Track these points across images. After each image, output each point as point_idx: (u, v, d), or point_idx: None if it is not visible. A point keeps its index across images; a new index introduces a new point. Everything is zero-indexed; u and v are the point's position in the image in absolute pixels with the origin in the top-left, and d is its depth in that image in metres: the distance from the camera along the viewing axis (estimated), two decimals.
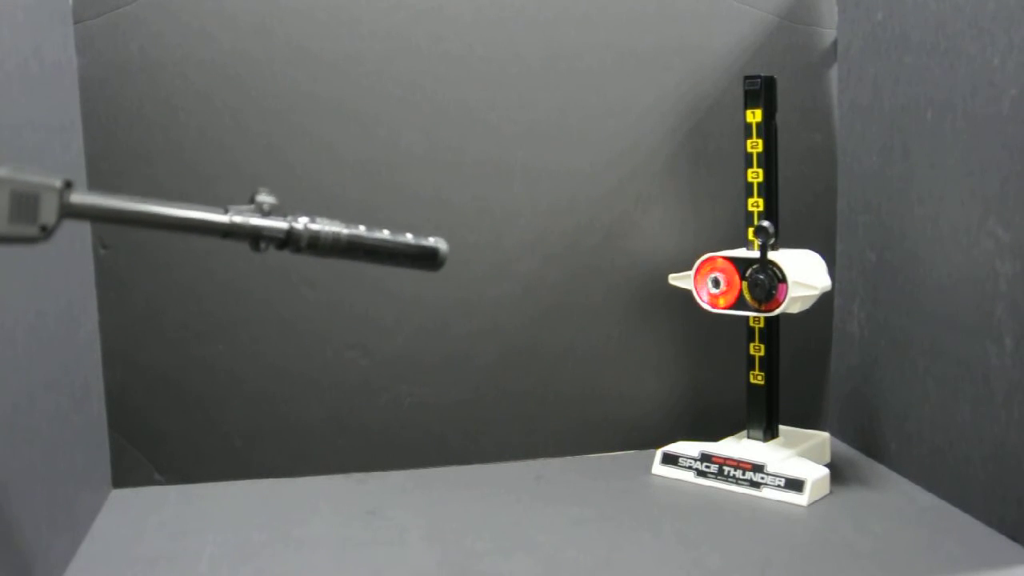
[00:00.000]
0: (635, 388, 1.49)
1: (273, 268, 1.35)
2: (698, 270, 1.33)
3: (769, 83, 1.31)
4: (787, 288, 1.25)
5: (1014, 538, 1.09)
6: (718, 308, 1.32)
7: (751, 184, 1.32)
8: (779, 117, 1.32)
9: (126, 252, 1.32)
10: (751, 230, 1.32)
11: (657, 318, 1.47)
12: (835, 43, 1.48)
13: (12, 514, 0.92)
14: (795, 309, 1.28)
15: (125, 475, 1.35)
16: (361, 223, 1.42)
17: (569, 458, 1.47)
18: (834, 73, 1.49)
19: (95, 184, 1.28)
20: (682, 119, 1.46)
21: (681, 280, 1.36)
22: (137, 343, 1.34)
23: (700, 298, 1.33)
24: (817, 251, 1.41)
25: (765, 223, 1.24)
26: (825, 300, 1.50)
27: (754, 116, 1.31)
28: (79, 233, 1.25)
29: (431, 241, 0.81)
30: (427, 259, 0.81)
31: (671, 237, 1.48)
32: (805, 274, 1.27)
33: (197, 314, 1.36)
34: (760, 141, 1.31)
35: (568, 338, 1.47)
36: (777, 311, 1.27)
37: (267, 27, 1.34)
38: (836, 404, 1.52)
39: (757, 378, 1.36)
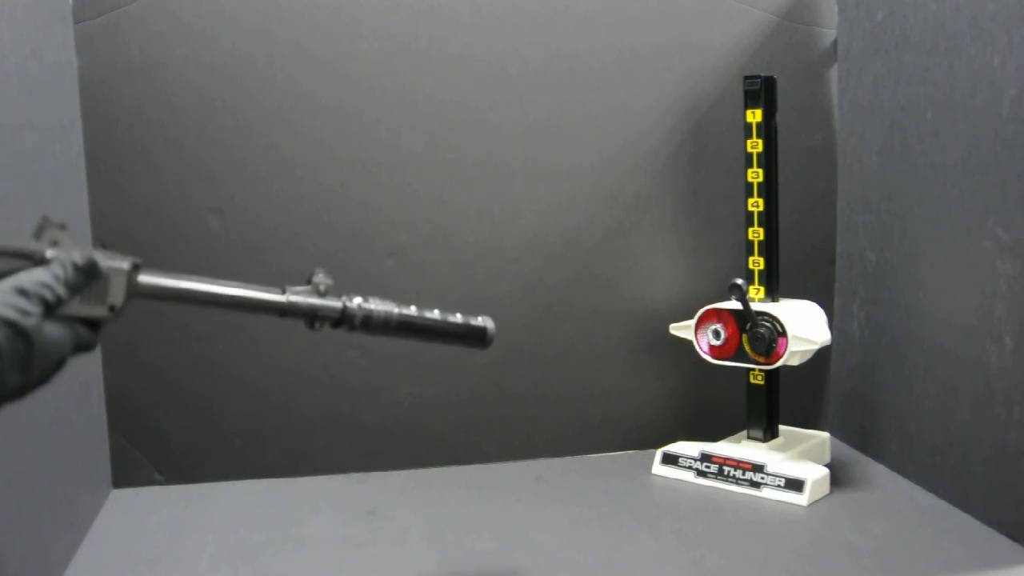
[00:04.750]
0: (635, 388, 1.49)
1: (273, 268, 1.35)
2: (699, 322, 1.34)
3: (769, 83, 1.31)
4: (787, 342, 1.26)
5: (1014, 538, 1.09)
6: (719, 359, 1.33)
7: (751, 184, 1.32)
8: (779, 117, 1.32)
9: (126, 251, 1.32)
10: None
11: (657, 318, 1.46)
12: (835, 43, 1.48)
13: (12, 514, 0.92)
14: (795, 362, 1.29)
15: (125, 475, 1.35)
16: (361, 224, 1.42)
17: (569, 458, 1.47)
18: (834, 73, 1.49)
19: (95, 184, 1.29)
20: (682, 119, 1.46)
21: (682, 330, 1.37)
22: (137, 343, 1.34)
23: (701, 349, 1.34)
24: (817, 251, 1.41)
25: (739, 281, 1.26)
26: (825, 300, 1.50)
27: (754, 116, 1.31)
28: (79, 232, 1.25)
29: (479, 321, 0.84)
30: (476, 338, 0.84)
31: (671, 237, 1.48)
32: (805, 328, 1.29)
33: (197, 314, 1.35)
34: (760, 141, 1.31)
35: (568, 338, 1.46)
36: (777, 364, 1.28)
37: (267, 27, 1.34)
38: (836, 404, 1.52)
39: (757, 378, 1.36)
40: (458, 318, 0.83)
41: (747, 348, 1.29)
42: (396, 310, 0.78)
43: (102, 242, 1.35)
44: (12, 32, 0.99)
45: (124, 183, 1.32)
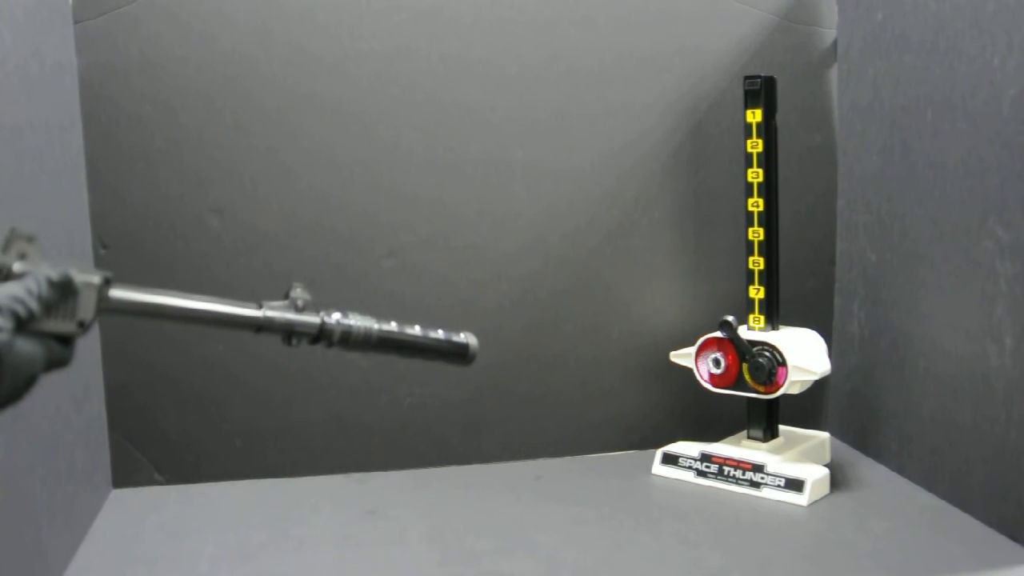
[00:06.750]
0: (635, 388, 1.49)
1: (273, 267, 1.35)
2: (699, 350, 1.34)
3: (769, 83, 1.31)
4: (787, 372, 1.27)
5: (1014, 538, 1.09)
6: (719, 387, 1.33)
7: (751, 184, 1.32)
8: (779, 117, 1.32)
9: (126, 252, 1.32)
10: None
11: (657, 318, 1.46)
12: (835, 43, 1.48)
13: (12, 514, 0.92)
14: (794, 391, 1.30)
15: (125, 475, 1.35)
16: (361, 224, 1.42)
17: (569, 458, 1.46)
18: (834, 73, 1.49)
19: (95, 184, 1.29)
20: (682, 119, 1.46)
21: (682, 358, 1.37)
22: (137, 343, 1.34)
23: (701, 377, 1.34)
24: (817, 251, 1.41)
25: (729, 318, 1.27)
26: (825, 300, 1.50)
27: (754, 116, 1.31)
28: (79, 233, 1.25)
29: (461, 337, 0.81)
30: (457, 355, 0.81)
31: (671, 237, 1.48)
32: (805, 359, 1.29)
33: None
34: (760, 141, 1.31)
35: (568, 338, 1.46)
36: (777, 394, 1.29)
37: (267, 28, 1.34)
38: (836, 404, 1.52)
39: None
40: (440, 334, 0.80)
41: (747, 378, 1.30)
42: (376, 326, 0.75)
43: (103, 243, 1.36)
44: (12, 32, 0.99)
45: (124, 183, 1.32)
